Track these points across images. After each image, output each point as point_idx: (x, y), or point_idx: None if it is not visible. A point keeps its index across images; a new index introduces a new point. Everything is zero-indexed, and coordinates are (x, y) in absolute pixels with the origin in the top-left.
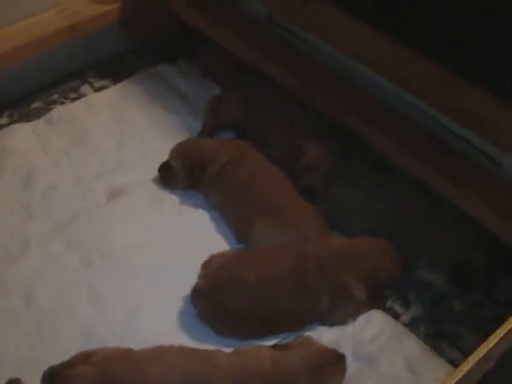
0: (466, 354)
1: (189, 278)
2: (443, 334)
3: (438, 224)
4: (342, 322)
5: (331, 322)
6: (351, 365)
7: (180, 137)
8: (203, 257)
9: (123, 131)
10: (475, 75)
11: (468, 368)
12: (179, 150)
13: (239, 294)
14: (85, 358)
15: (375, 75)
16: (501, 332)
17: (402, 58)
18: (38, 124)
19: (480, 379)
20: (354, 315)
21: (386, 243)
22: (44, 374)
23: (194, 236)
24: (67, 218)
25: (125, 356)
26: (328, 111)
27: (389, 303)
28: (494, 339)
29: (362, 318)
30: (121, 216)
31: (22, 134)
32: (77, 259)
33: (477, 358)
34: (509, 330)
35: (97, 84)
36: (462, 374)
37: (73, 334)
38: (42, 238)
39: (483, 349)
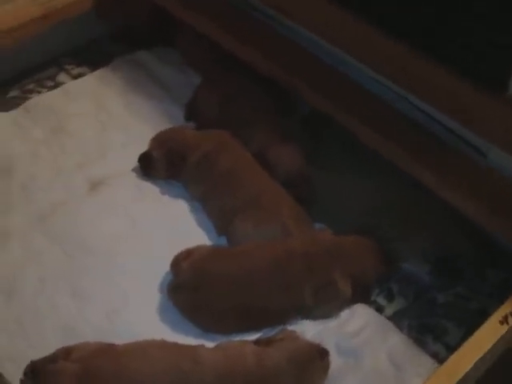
0: (449, 348)
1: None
2: (427, 327)
3: (423, 215)
4: (326, 316)
5: (315, 317)
6: (335, 359)
7: (161, 125)
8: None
9: (103, 120)
10: (455, 62)
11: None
12: (159, 140)
13: (223, 288)
14: (66, 353)
15: (356, 62)
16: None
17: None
18: (15, 114)
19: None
20: (338, 310)
21: (372, 241)
22: (26, 369)
23: (176, 228)
24: (47, 210)
25: (107, 351)
26: (310, 100)
27: (372, 296)
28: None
29: (346, 312)
30: (102, 208)
31: (0, 124)
32: (58, 253)
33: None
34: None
35: (74, 71)
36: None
37: (54, 328)
38: (21, 230)
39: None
